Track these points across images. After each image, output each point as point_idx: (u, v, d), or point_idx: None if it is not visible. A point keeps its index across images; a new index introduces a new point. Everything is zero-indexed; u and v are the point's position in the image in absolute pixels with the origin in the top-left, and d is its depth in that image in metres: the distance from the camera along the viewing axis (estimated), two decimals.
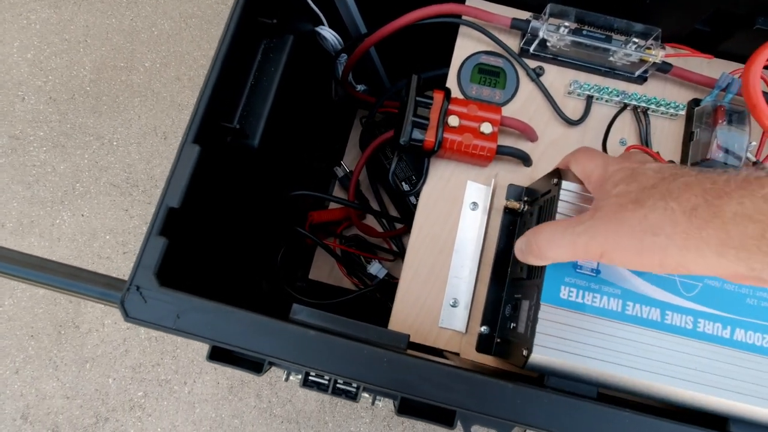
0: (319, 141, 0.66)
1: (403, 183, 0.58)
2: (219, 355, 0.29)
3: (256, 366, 0.29)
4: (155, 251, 0.29)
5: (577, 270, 0.31)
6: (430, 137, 0.38)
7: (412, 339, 0.39)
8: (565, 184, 0.32)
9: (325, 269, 0.66)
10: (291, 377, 0.32)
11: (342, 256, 0.64)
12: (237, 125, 0.36)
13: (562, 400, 0.29)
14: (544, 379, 0.31)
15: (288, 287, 0.55)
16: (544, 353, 0.30)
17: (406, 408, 0.29)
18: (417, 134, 0.39)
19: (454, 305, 0.38)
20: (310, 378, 0.30)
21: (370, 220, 0.67)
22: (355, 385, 0.30)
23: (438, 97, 0.39)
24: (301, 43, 0.45)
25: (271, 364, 0.30)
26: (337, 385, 0.30)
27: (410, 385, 0.28)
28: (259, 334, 0.29)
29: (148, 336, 0.64)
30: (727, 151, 0.40)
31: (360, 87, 0.63)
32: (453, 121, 0.39)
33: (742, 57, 0.42)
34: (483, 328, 0.37)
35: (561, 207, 0.31)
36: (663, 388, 0.30)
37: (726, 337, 0.30)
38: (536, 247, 0.29)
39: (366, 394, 0.31)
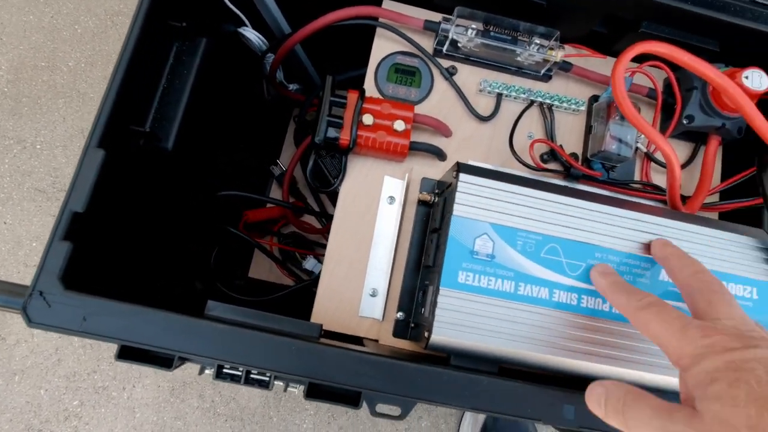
0: (253, 141, 0.66)
1: (336, 179, 0.59)
2: (128, 353, 0.29)
3: (166, 362, 0.30)
4: (59, 256, 0.29)
5: (474, 256, 0.33)
6: (345, 135, 0.40)
7: (333, 329, 0.40)
8: (462, 176, 0.34)
9: (265, 267, 0.67)
10: (206, 371, 0.33)
11: (281, 253, 0.65)
12: (148, 128, 0.36)
13: (461, 377, 0.31)
14: (450, 359, 0.34)
15: (223, 286, 0.56)
16: (443, 333, 0.32)
17: (314, 392, 0.30)
18: (332, 133, 0.40)
19: (373, 295, 0.40)
20: (223, 370, 0.31)
21: (310, 216, 0.68)
22: (268, 374, 0.31)
23: (352, 96, 0.41)
24: (221, 44, 0.46)
25: (182, 359, 0.31)
26: (251, 376, 0.31)
27: (317, 370, 0.30)
28: (169, 331, 0.30)
29: (83, 344, 0.63)
30: (620, 141, 0.44)
31: (292, 86, 0.63)
32: (367, 119, 0.41)
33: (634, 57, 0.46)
34: (399, 315, 0.39)
35: (459, 198, 0.34)
36: (554, 360, 0.33)
37: (606, 310, 0.34)
38: (623, 418, 0.24)
39: (279, 382, 0.33)
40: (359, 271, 0.41)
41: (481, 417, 0.67)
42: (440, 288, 0.32)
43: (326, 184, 0.48)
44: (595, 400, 0.26)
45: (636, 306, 0.27)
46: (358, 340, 0.40)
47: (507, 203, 0.34)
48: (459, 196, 0.34)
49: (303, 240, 0.66)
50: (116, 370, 0.64)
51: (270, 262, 0.65)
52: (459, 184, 0.34)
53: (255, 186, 0.69)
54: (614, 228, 0.35)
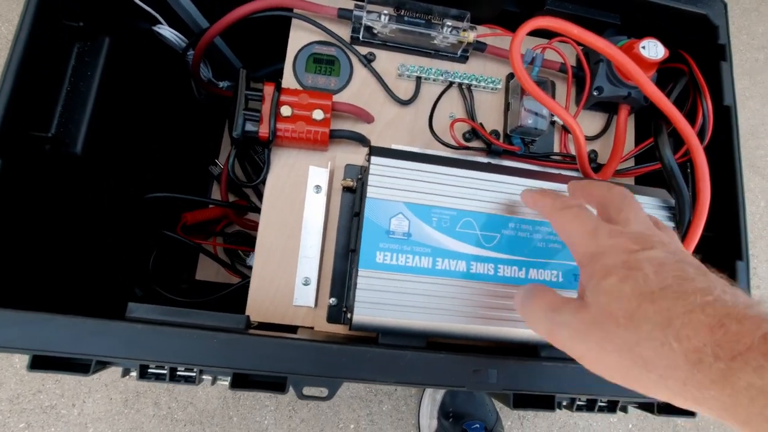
0: (189, 141, 0.65)
1: None
2: (41, 363, 0.29)
3: (83, 368, 0.29)
4: None
5: (390, 236, 0.34)
6: (263, 129, 0.40)
7: (269, 320, 0.41)
8: (374, 159, 0.35)
9: (212, 268, 0.66)
10: (131, 373, 0.33)
11: (227, 253, 0.64)
12: (52, 133, 0.35)
13: (385, 353, 0.32)
14: (378, 338, 0.35)
15: (166, 291, 0.55)
16: (365, 313, 0.33)
17: (240, 382, 0.31)
18: (250, 127, 0.40)
19: (306, 283, 0.41)
20: (148, 370, 0.31)
21: (255, 214, 0.68)
22: (194, 369, 0.32)
23: (268, 89, 0.41)
24: (133, 43, 0.45)
25: (102, 363, 0.30)
26: (177, 373, 0.31)
27: (240, 360, 0.30)
28: (83, 336, 0.29)
29: (24, 364, 0.61)
30: (536, 115, 0.45)
31: (223, 84, 0.62)
32: (285, 110, 0.41)
33: (545, 33, 0.48)
34: (332, 300, 0.40)
35: (372, 180, 0.34)
36: (477, 329, 0.35)
37: (522, 277, 0.35)
38: (523, 313, 0.28)
39: (207, 376, 0.33)
40: (291, 261, 0.42)
41: (439, 396, 0.69)
42: (359, 269, 0.33)
43: (240, 180, 0.47)
44: (515, 302, 0.30)
45: (558, 207, 0.28)
46: (294, 330, 0.41)
47: (420, 182, 0.35)
48: (372, 179, 0.34)
49: (248, 237, 0.66)
50: (63, 387, 0.62)
51: (215, 262, 0.64)
52: (371, 167, 0.34)
53: (196, 187, 0.68)
54: None
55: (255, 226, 0.66)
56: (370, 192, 0.34)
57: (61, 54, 0.36)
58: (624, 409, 0.37)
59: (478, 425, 0.66)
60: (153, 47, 0.50)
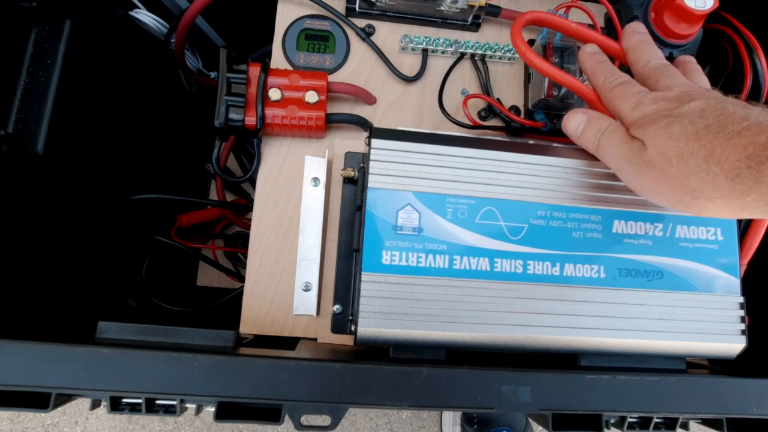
0: (183, 138, 0.60)
1: None
2: None
3: (40, 402, 0.25)
4: None
5: (398, 231, 0.29)
6: (250, 116, 0.35)
7: (266, 332, 0.36)
8: (375, 142, 0.30)
9: (213, 273, 0.62)
10: (103, 403, 0.29)
11: (227, 256, 0.60)
12: (9, 131, 0.31)
13: (396, 371, 0.27)
14: (389, 351, 0.30)
15: (164, 300, 0.51)
16: (373, 325, 0.28)
17: (226, 412, 0.26)
18: (234, 114, 0.35)
19: (306, 289, 0.36)
20: (121, 401, 0.27)
21: None
22: (177, 399, 0.27)
23: (254, 70, 0.36)
24: (103, 29, 0.40)
25: (65, 396, 0.26)
26: (156, 402, 0.27)
27: (226, 386, 0.26)
28: (43, 365, 0.25)
29: None
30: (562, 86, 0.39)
31: (214, 74, 0.58)
32: (274, 94, 0.36)
33: None
34: (336, 308, 0.35)
35: (373, 167, 0.29)
36: (505, 337, 0.29)
37: (556, 274, 0.30)
38: (596, 142, 0.29)
39: (191, 404, 0.28)
40: (289, 265, 0.37)
41: None
42: (362, 273, 0.28)
43: (231, 176, 0.43)
44: (574, 125, 0.31)
45: (609, 85, 0.31)
46: (295, 342, 0.36)
47: (431, 167, 0.30)
48: (374, 165, 0.29)
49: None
50: (65, 405, 0.59)
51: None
52: (372, 151, 0.29)
53: (193, 187, 0.64)
54: (557, 180, 0.31)
55: None
56: (372, 181, 0.29)
57: (16, 40, 0.32)
58: (685, 426, 0.31)
59: (505, 431, 0.61)
60: (133, 36, 0.46)
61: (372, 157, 0.29)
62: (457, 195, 0.30)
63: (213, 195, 0.65)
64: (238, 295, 0.50)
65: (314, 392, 0.26)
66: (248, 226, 0.61)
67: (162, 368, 0.26)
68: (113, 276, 0.47)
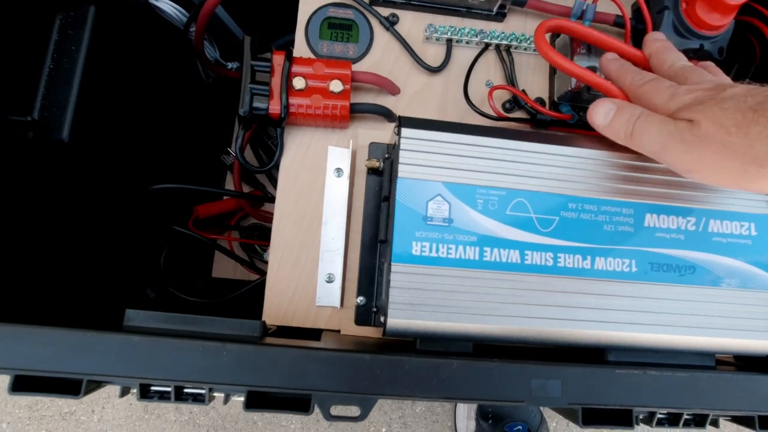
0: (200, 129, 0.60)
1: None
2: (23, 384, 0.24)
3: (72, 388, 0.25)
4: None
5: (428, 222, 0.28)
6: (274, 105, 0.35)
7: (288, 324, 0.36)
8: (405, 131, 0.29)
9: (229, 264, 0.62)
10: (132, 390, 0.29)
11: (243, 247, 0.60)
12: (34, 117, 0.30)
13: (426, 363, 0.27)
14: (416, 343, 0.30)
15: (181, 291, 0.51)
16: (402, 316, 0.28)
17: (256, 401, 0.26)
18: (258, 103, 0.35)
19: (329, 281, 0.36)
20: (150, 389, 0.26)
21: (272, 206, 0.63)
22: (205, 387, 0.27)
23: (278, 58, 0.35)
24: (125, 16, 0.40)
25: (95, 382, 0.26)
26: (184, 390, 0.27)
27: (255, 376, 0.26)
28: (74, 351, 0.25)
29: None
30: None
31: (232, 65, 0.57)
32: (298, 83, 0.35)
33: None
34: (359, 299, 0.35)
35: (403, 156, 0.29)
36: (534, 330, 0.29)
37: (587, 268, 0.30)
38: (630, 128, 0.28)
39: (219, 393, 0.28)
40: (311, 256, 0.36)
41: None
42: (392, 263, 0.28)
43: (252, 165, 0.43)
44: (603, 113, 0.30)
45: (639, 83, 0.30)
46: (318, 334, 0.36)
47: (461, 157, 0.29)
48: (404, 155, 0.29)
49: (266, 230, 0.61)
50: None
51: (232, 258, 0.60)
52: (402, 141, 0.29)
53: (209, 178, 0.64)
54: (587, 172, 0.31)
55: (272, 218, 0.61)
56: (402, 171, 0.28)
57: (41, 26, 0.32)
58: (715, 423, 0.31)
59: (520, 427, 0.61)
60: (153, 24, 0.45)
61: (402, 146, 0.29)
62: (488, 186, 0.29)
63: (228, 186, 0.65)
64: (257, 286, 0.50)
65: (343, 383, 0.26)
66: (264, 218, 0.61)
67: (191, 357, 0.26)
68: (132, 266, 0.47)
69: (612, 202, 0.30)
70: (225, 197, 0.60)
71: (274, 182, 0.63)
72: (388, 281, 0.28)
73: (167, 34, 0.47)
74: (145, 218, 0.46)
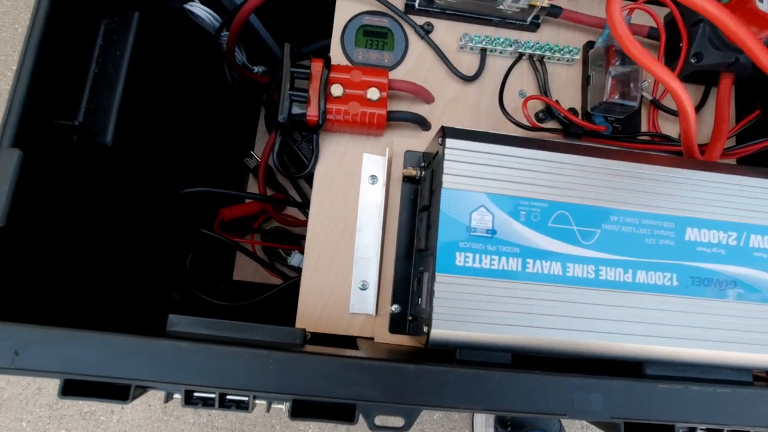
0: (223, 131, 0.61)
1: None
2: (73, 388, 0.25)
3: (121, 393, 0.25)
4: None
5: (472, 233, 0.28)
6: (312, 111, 0.35)
7: (322, 330, 0.36)
8: (450, 142, 0.29)
9: (249, 268, 0.62)
10: (176, 395, 0.29)
11: (265, 251, 0.60)
12: (79, 121, 0.31)
13: (469, 374, 0.27)
14: (456, 353, 0.30)
15: (203, 293, 0.51)
16: (445, 327, 0.28)
17: (301, 410, 0.26)
18: (297, 109, 0.35)
19: (363, 288, 0.36)
20: (194, 395, 0.27)
21: (294, 208, 0.63)
22: (246, 395, 0.27)
23: (316, 65, 0.36)
24: (163, 21, 0.40)
25: (142, 387, 0.26)
26: (227, 398, 0.27)
27: (301, 384, 0.26)
28: (121, 356, 0.25)
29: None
30: (623, 89, 0.39)
31: (257, 68, 0.58)
32: (336, 90, 0.36)
33: None
34: (394, 307, 0.35)
35: (447, 167, 0.29)
36: (574, 343, 0.29)
37: (629, 281, 0.29)
38: None
39: (261, 401, 0.28)
40: (345, 263, 0.37)
41: None
42: (436, 274, 0.28)
43: (302, 169, 0.43)
44: None
45: None
46: (351, 341, 0.36)
47: (504, 168, 0.29)
48: (448, 165, 0.29)
49: (287, 234, 0.61)
50: None
51: (254, 262, 0.60)
52: (446, 151, 0.29)
53: (231, 181, 0.64)
54: (629, 185, 0.30)
55: (294, 222, 0.61)
56: (446, 181, 0.29)
57: (87, 31, 0.32)
58: None
59: None
60: (185, 27, 0.46)
61: (447, 156, 0.29)
62: (531, 198, 0.29)
63: (249, 189, 0.65)
64: (281, 290, 0.50)
65: (388, 393, 0.26)
66: (287, 222, 0.61)
67: (237, 363, 0.26)
68: (160, 268, 0.47)
69: (653, 215, 0.30)
70: (248, 200, 0.60)
71: (296, 186, 0.63)
72: (432, 292, 0.28)
73: (197, 38, 0.48)
74: (174, 221, 0.47)
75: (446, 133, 0.29)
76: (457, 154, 0.29)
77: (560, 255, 0.29)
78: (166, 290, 0.49)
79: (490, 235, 0.28)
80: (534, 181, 0.29)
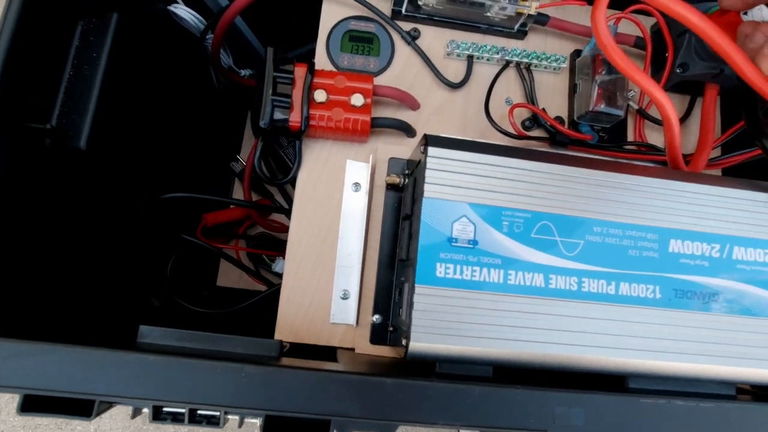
0: (209, 136, 0.60)
1: None
2: (34, 404, 0.24)
3: (84, 409, 0.24)
4: None
5: (453, 243, 0.28)
6: (294, 116, 0.34)
7: (301, 340, 0.35)
8: (432, 150, 0.29)
9: (234, 273, 0.61)
10: (144, 410, 0.28)
11: (250, 257, 0.59)
12: (52, 125, 0.30)
13: (449, 389, 0.26)
14: (435, 365, 0.29)
15: (186, 300, 0.50)
16: (424, 340, 0.27)
17: (274, 426, 0.25)
18: (279, 114, 0.34)
19: (344, 297, 0.35)
20: (162, 410, 0.26)
21: (280, 214, 0.63)
22: (221, 410, 0.26)
23: (300, 70, 0.35)
24: (144, 24, 0.39)
25: (107, 403, 0.25)
26: (198, 413, 0.26)
27: (274, 399, 0.25)
28: (87, 370, 0.24)
29: None
30: (609, 98, 0.38)
31: (244, 72, 0.57)
32: (319, 95, 0.35)
33: (617, 1, 0.41)
34: (375, 318, 0.34)
35: (429, 176, 0.28)
36: (556, 356, 0.28)
37: (612, 293, 0.29)
38: None
39: (233, 416, 0.27)
40: (327, 272, 0.36)
41: None
42: (416, 285, 0.27)
43: (287, 175, 0.42)
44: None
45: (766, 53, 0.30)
46: (332, 352, 0.35)
47: (487, 178, 0.29)
48: (430, 174, 0.28)
49: (273, 240, 0.60)
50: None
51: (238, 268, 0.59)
52: (428, 159, 0.28)
53: (217, 185, 0.63)
54: (613, 196, 0.30)
55: (280, 228, 0.60)
56: (428, 191, 0.28)
57: (63, 31, 0.31)
58: None
59: None
60: (168, 30, 0.45)
61: (429, 165, 0.28)
62: (514, 208, 0.29)
63: (235, 194, 0.64)
64: (264, 297, 0.49)
65: (364, 408, 0.25)
66: (272, 228, 0.60)
67: (208, 377, 0.25)
68: (139, 275, 0.46)
69: (637, 227, 0.30)
70: (232, 206, 0.59)
71: (283, 192, 0.62)
72: (411, 304, 0.27)
73: (182, 40, 0.47)
74: (155, 226, 0.46)
75: (429, 141, 0.29)
76: (439, 162, 0.28)
77: (543, 266, 0.28)
78: (144, 297, 0.48)
79: (471, 246, 0.28)
80: (517, 191, 0.29)
